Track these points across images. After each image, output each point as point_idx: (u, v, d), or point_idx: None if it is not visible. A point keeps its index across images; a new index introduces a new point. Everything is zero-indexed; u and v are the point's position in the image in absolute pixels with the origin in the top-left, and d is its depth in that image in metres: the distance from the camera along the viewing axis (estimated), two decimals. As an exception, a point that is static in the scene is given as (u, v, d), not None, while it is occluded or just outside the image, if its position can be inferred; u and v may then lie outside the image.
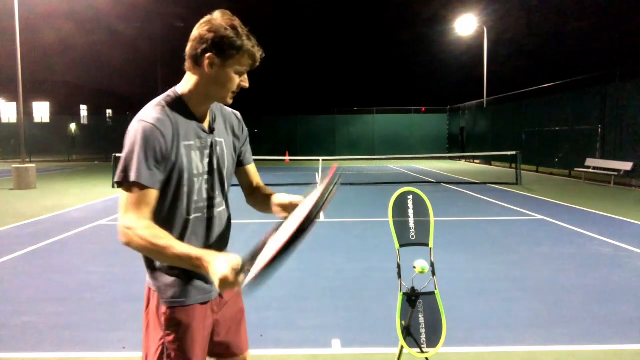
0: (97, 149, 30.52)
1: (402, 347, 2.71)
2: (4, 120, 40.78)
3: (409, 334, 2.67)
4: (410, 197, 2.83)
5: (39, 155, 29.69)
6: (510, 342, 3.45)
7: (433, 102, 35.57)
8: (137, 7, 37.58)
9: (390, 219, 2.79)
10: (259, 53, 1.49)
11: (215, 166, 1.59)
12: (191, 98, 1.52)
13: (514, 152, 15.44)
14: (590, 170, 14.73)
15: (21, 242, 6.77)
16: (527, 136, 19.95)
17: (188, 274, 1.52)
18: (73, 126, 33.94)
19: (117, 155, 14.18)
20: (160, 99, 1.52)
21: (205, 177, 1.57)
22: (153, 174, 1.42)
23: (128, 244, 1.39)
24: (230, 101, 1.54)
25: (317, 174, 17.57)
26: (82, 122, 38.10)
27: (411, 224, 2.78)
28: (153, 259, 1.50)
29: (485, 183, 14.86)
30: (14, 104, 39.35)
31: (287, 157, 21.71)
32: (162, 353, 1.53)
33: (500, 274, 5.15)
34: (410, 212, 2.80)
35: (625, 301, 4.27)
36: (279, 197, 1.62)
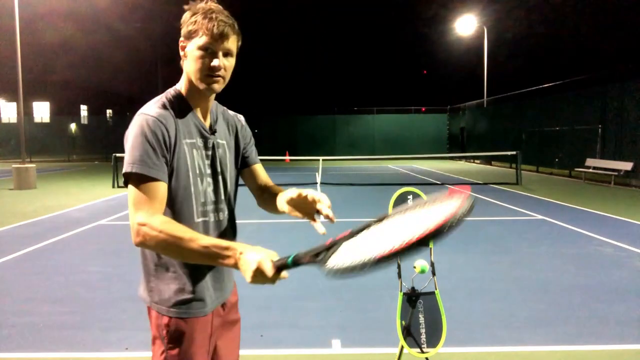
0: (97, 149, 30.54)
1: (402, 347, 2.71)
2: (4, 120, 40.76)
3: (409, 334, 2.67)
4: (411, 197, 2.83)
5: (39, 155, 29.68)
6: (510, 342, 3.45)
7: (433, 102, 35.59)
8: (137, 7, 37.54)
9: (390, 219, 2.79)
10: (215, 27, 1.35)
11: (218, 169, 1.52)
12: (187, 92, 1.47)
13: (514, 152, 15.44)
14: (590, 170, 14.72)
15: (21, 242, 6.77)
16: (527, 136, 19.94)
17: (188, 281, 1.44)
18: (73, 126, 33.95)
19: (118, 155, 14.24)
20: (162, 95, 1.48)
21: (209, 179, 1.49)
22: (160, 166, 1.34)
23: (142, 243, 1.29)
24: (206, 85, 1.41)
25: (317, 174, 17.56)
26: (82, 122, 38.12)
27: (411, 224, 2.78)
28: (169, 255, 1.38)
29: (485, 183, 14.86)
30: (14, 104, 39.33)
31: (287, 157, 21.65)
32: None
33: (500, 274, 5.15)
34: (410, 212, 2.80)
35: (625, 301, 4.27)
36: (287, 192, 1.45)
